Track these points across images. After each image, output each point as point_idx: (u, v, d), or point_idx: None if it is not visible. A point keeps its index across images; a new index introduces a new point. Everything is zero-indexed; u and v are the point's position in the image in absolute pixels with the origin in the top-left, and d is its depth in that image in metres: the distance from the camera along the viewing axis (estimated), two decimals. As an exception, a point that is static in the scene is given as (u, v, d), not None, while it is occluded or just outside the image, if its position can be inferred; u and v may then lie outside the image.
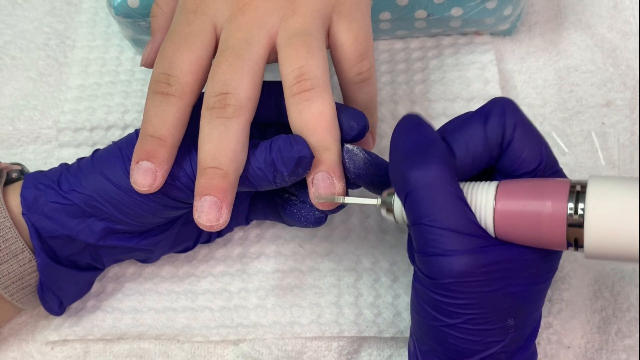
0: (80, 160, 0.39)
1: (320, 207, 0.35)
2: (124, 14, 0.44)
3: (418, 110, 0.46)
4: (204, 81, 0.36)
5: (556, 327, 0.40)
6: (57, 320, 0.42)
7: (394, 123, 0.46)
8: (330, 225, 0.44)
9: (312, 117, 0.34)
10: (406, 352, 0.41)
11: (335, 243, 0.43)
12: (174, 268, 0.43)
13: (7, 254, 0.37)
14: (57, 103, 0.49)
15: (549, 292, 0.41)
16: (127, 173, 0.36)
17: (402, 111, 0.46)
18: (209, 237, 0.43)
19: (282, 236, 0.44)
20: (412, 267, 0.42)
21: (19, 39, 0.52)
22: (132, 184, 0.35)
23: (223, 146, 0.34)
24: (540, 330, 0.40)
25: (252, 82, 0.35)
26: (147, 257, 0.41)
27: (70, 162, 0.40)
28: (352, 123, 0.36)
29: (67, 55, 0.51)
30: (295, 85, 0.34)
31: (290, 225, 0.40)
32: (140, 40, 0.48)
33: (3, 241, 0.37)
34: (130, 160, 0.36)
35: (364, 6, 0.38)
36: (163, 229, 0.40)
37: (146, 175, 0.34)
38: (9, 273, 0.38)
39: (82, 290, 0.42)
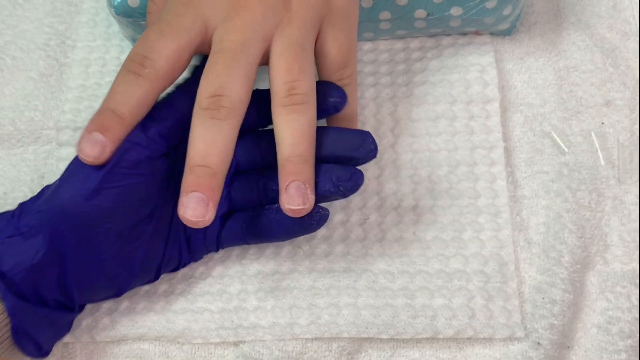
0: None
1: (289, 214, 0.36)
2: (124, 14, 0.44)
3: (417, 112, 0.46)
4: (179, 72, 0.37)
5: (557, 327, 0.40)
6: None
7: (393, 125, 0.46)
8: (329, 226, 0.44)
9: (301, 128, 0.36)
10: (406, 353, 0.41)
11: (334, 244, 0.43)
12: (173, 269, 0.43)
13: None
14: (58, 103, 0.49)
15: (552, 292, 0.41)
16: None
17: (401, 113, 0.46)
18: (177, 266, 0.41)
19: (281, 237, 0.44)
20: (410, 267, 0.42)
21: (19, 39, 0.52)
22: (78, 152, 0.35)
23: (214, 147, 0.34)
24: (542, 331, 0.40)
25: (246, 86, 0.35)
26: (118, 290, 0.39)
27: (69, 162, 0.39)
28: (334, 99, 0.38)
29: (68, 56, 0.51)
30: (287, 98, 0.36)
31: (281, 241, 0.41)
32: (140, 40, 0.48)
33: None
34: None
35: (352, 16, 0.39)
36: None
37: (94, 146, 0.34)
38: None
39: (60, 330, 0.40)
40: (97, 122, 0.35)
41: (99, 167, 0.35)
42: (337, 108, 0.39)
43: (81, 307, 0.40)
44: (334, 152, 0.38)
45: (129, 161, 0.36)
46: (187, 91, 0.38)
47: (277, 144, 0.36)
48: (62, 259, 0.36)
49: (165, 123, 0.37)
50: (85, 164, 0.35)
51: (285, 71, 0.36)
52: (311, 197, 0.36)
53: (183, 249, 0.40)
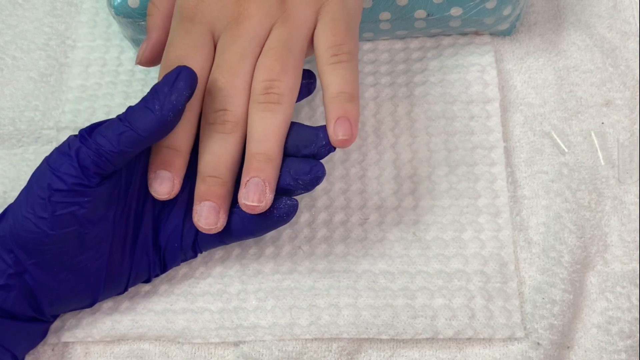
0: None
1: (245, 210, 0.36)
2: (124, 14, 0.44)
3: (417, 112, 0.46)
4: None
5: (556, 327, 0.40)
6: (57, 322, 0.42)
7: (393, 125, 0.46)
8: (329, 226, 0.44)
9: (271, 127, 0.36)
10: (406, 353, 0.41)
11: (334, 245, 0.43)
12: (172, 270, 0.43)
13: None
14: (58, 103, 0.49)
15: (552, 292, 0.41)
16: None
17: (401, 112, 0.46)
18: (148, 278, 0.41)
19: (281, 237, 0.44)
20: (410, 267, 0.42)
21: (19, 39, 0.52)
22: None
23: (222, 158, 0.37)
24: (542, 331, 0.40)
25: (247, 98, 0.37)
26: (88, 302, 0.40)
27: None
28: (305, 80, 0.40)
29: (68, 56, 0.51)
30: (263, 95, 0.36)
31: (257, 236, 0.40)
32: (140, 40, 0.48)
33: None
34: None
35: (352, 13, 0.39)
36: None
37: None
38: None
39: (35, 339, 0.40)
40: (159, 163, 0.38)
41: (42, 197, 0.35)
42: (310, 89, 0.41)
43: (55, 316, 0.40)
44: (290, 146, 0.37)
45: (65, 191, 0.35)
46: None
47: (247, 139, 0.37)
48: (26, 279, 0.37)
49: (102, 150, 0.35)
50: (32, 191, 0.36)
51: (267, 69, 0.37)
52: (269, 196, 0.36)
53: (153, 261, 0.40)
